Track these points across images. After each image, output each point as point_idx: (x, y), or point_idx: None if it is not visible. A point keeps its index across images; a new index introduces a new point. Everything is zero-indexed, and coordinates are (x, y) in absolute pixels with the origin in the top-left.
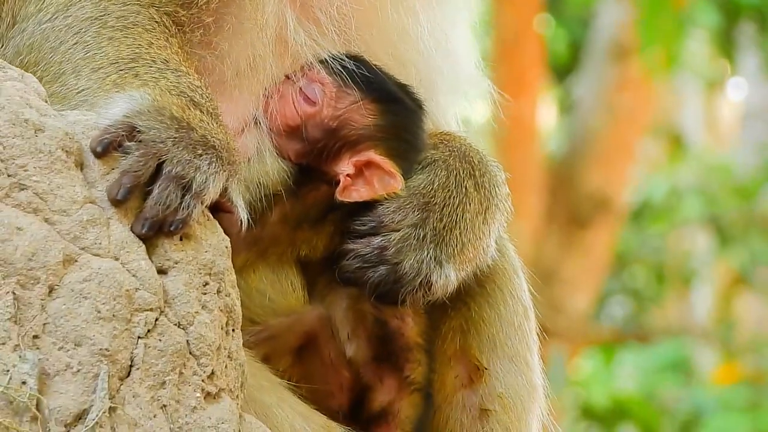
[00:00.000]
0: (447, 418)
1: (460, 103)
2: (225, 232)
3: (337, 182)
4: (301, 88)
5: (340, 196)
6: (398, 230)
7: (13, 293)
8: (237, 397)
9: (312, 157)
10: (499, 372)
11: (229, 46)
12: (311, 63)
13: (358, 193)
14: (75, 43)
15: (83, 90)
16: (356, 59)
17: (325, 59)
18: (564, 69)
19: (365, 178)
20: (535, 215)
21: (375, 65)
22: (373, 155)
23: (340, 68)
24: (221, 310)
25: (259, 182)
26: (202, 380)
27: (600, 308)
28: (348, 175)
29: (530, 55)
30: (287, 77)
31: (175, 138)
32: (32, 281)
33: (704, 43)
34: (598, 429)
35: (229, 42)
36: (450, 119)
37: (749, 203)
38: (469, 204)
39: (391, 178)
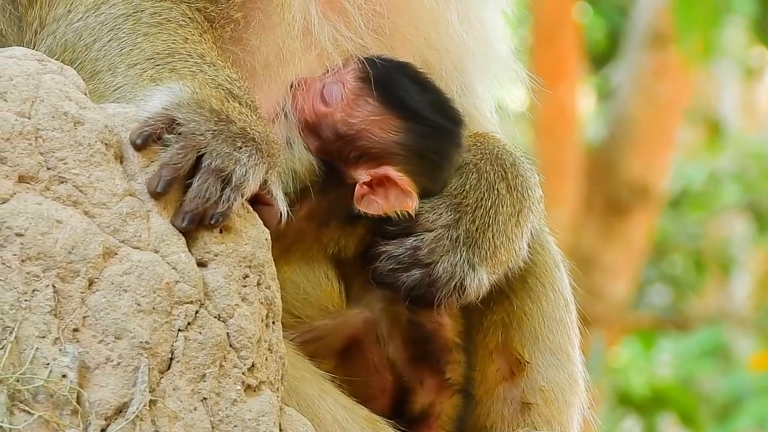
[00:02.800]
0: (488, 411)
1: (494, 89)
2: (264, 225)
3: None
4: (324, 86)
5: (357, 204)
6: (431, 230)
7: (53, 286)
8: (277, 389)
9: (331, 155)
10: (540, 365)
11: (259, 41)
12: (350, 60)
13: (373, 205)
14: (110, 40)
15: (120, 87)
16: (398, 67)
17: (362, 60)
18: (602, 57)
19: (381, 192)
20: (574, 202)
21: (418, 74)
22: (390, 171)
23: (374, 74)
24: (261, 303)
25: (288, 174)
26: (243, 373)
27: (639, 296)
28: (364, 183)
29: (569, 42)
30: (326, 72)
31: (215, 131)
32: (72, 274)
33: (741, 30)
34: (636, 416)
35: (259, 37)
36: (484, 108)
37: None
38: (502, 206)
39: (407, 197)
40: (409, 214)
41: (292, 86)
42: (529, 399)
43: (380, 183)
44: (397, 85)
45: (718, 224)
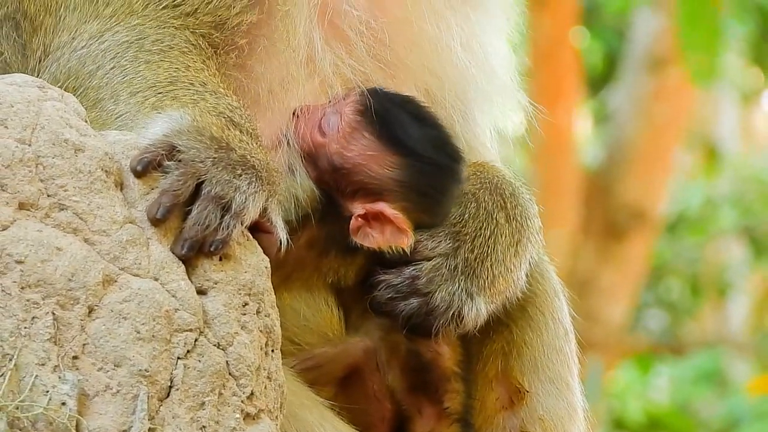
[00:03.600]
0: None
1: (495, 116)
2: (264, 252)
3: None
4: (324, 115)
5: (353, 236)
6: (430, 259)
7: (53, 314)
8: (276, 418)
9: (329, 186)
10: (540, 394)
11: (263, 68)
12: (352, 91)
13: (368, 238)
14: (112, 68)
15: (122, 114)
16: (399, 101)
17: (363, 92)
18: (600, 80)
19: (377, 226)
20: (572, 226)
21: (419, 109)
22: (385, 208)
23: (373, 107)
24: (261, 331)
25: (290, 201)
26: (242, 401)
27: (636, 320)
28: (360, 216)
29: (566, 66)
30: (336, 99)
31: (215, 158)
32: (72, 302)
33: (739, 53)
34: None
35: (263, 64)
36: (484, 137)
37: None
38: (501, 236)
39: (402, 235)
40: (404, 250)
41: (294, 113)
42: (528, 428)
43: (376, 217)
44: (395, 120)
45: (715, 248)
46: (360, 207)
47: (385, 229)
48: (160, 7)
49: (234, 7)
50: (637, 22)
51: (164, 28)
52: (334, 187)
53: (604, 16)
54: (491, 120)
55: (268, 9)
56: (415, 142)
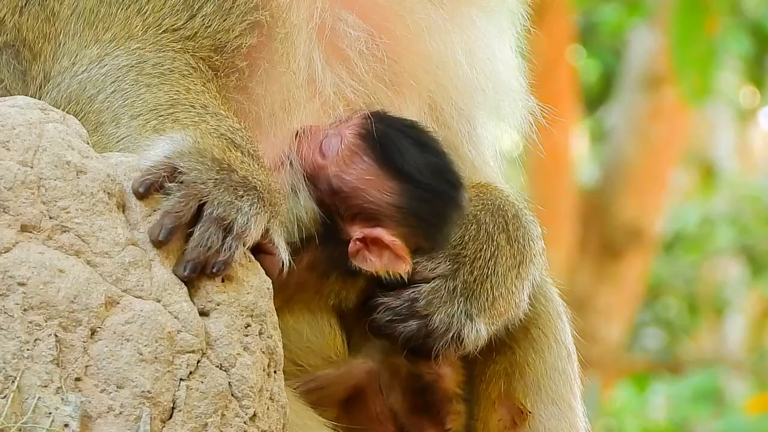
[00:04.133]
0: None
1: (500, 132)
2: (266, 274)
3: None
4: (326, 137)
5: (352, 259)
6: (429, 281)
7: (56, 335)
8: None
9: (329, 208)
10: (542, 415)
11: (264, 90)
12: (355, 114)
13: (366, 262)
14: (113, 92)
15: (124, 138)
16: (402, 126)
17: (367, 115)
18: (596, 99)
19: (375, 250)
20: (568, 245)
21: (422, 134)
22: (383, 234)
23: (374, 131)
24: (263, 352)
25: (293, 222)
26: (244, 422)
27: (633, 338)
28: (358, 239)
29: (563, 84)
30: (340, 121)
31: (217, 179)
32: (74, 323)
33: (735, 72)
34: None
35: (264, 86)
36: (488, 155)
37: None
38: (502, 257)
39: (399, 261)
40: (401, 276)
41: (297, 133)
42: None
43: (374, 242)
44: (395, 145)
45: (712, 267)
46: (359, 231)
47: (383, 254)
48: (160, 31)
49: (233, 30)
50: (634, 40)
51: (164, 51)
52: (334, 210)
53: (600, 34)
54: (497, 135)
55: (267, 31)
56: (414, 169)
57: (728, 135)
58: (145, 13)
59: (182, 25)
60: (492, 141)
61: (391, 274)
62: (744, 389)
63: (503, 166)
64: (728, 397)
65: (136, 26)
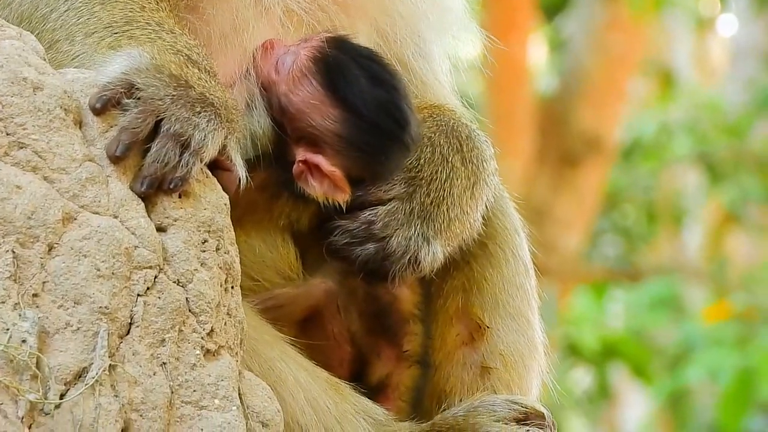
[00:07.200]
0: (448, 375)
1: (449, 50)
2: (223, 190)
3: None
4: (284, 53)
5: (297, 179)
6: (384, 203)
7: (13, 252)
8: (236, 354)
9: (280, 127)
10: (500, 330)
11: (214, 9)
12: (316, 35)
13: (308, 186)
14: (66, 10)
15: (79, 55)
16: (358, 55)
17: (326, 39)
18: (554, 7)
19: (317, 176)
20: (526, 155)
21: (378, 67)
22: (322, 162)
23: (328, 56)
24: (220, 268)
25: (248, 139)
26: (202, 338)
27: (591, 247)
28: (301, 162)
29: None
30: (304, 40)
31: (174, 96)
32: (32, 239)
33: None
34: (587, 367)
35: (214, 6)
36: (439, 72)
37: (739, 140)
38: (457, 179)
39: (339, 191)
40: (340, 205)
41: (263, 45)
42: (488, 363)
43: (316, 168)
44: (346, 74)
45: (671, 176)
46: (302, 154)
47: (323, 181)
48: None
49: None
50: None
51: None
52: (283, 130)
53: None
54: (445, 53)
55: None
56: (359, 100)
57: (687, 43)
58: None
59: None
60: (443, 55)
61: (330, 201)
62: (702, 297)
63: (456, 79)
64: (686, 305)
65: None
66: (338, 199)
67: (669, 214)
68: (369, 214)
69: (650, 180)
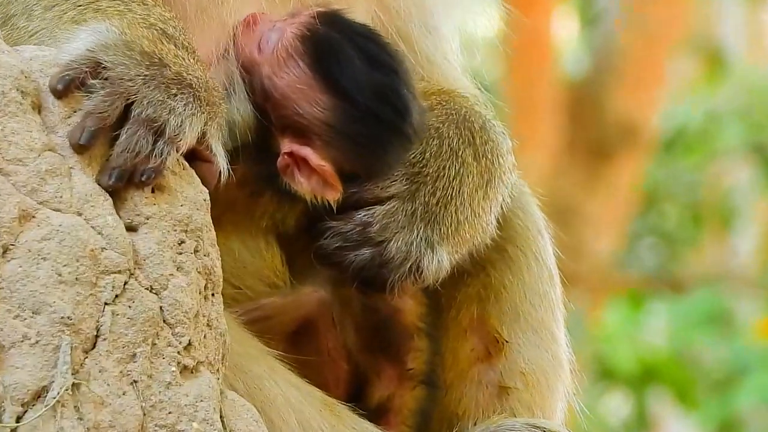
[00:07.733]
0: (461, 396)
1: (461, 22)
2: (203, 183)
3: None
4: (269, 30)
5: (282, 173)
6: (383, 201)
7: None
8: (218, 371)
9: (263, 113)
10: (521, 345)
11: None
12: (306, 9)
13: (295, 181)
14: None
15: (38, 31)
16: (354, 33)
17: (317, 14)
18: None
19: (305, 171)
20: (552, 145)
21: (377, 48)
22: (310, 156)
23: (318, 34)
24: (199, 272)
25: (228, 127)
26: (178, 352)
27: (626, 252)
28: (286, 154)
29: None
30: (291, 15)
31: (146, 75)
32: None
33: None
34: (622, 391)
35: None
36: (448, 51)
37: None
38: (468, 176)
39: (329, 189)
40: (330, 204)
41: (246, 21)
42: (507, 383)
43: (303, 162)
44: (338, 54)
45: (719, 170)
46: (287, 145)
47: (312, 177)
48: None
49: None
50: None
51: None
52: (266, 117)
53: None
54: (457, 26)
55: None
56: (353, 84)
57: (737, 19)
58: None
59: None
60: (452, 32)
61: (319, 199)
62: (754, 310)
63: (469, 59)
64: (737, 320)
65: None
66: (328, 198)
67: (716, 215)
68: (364, 215)
69: (695, 175)
